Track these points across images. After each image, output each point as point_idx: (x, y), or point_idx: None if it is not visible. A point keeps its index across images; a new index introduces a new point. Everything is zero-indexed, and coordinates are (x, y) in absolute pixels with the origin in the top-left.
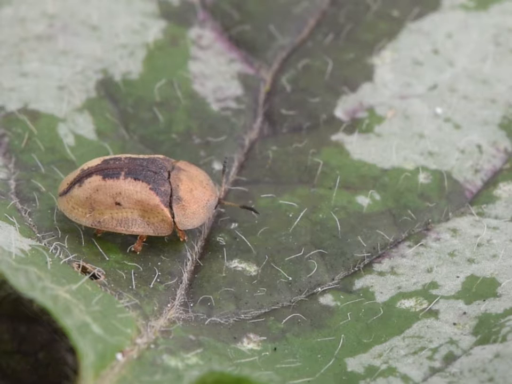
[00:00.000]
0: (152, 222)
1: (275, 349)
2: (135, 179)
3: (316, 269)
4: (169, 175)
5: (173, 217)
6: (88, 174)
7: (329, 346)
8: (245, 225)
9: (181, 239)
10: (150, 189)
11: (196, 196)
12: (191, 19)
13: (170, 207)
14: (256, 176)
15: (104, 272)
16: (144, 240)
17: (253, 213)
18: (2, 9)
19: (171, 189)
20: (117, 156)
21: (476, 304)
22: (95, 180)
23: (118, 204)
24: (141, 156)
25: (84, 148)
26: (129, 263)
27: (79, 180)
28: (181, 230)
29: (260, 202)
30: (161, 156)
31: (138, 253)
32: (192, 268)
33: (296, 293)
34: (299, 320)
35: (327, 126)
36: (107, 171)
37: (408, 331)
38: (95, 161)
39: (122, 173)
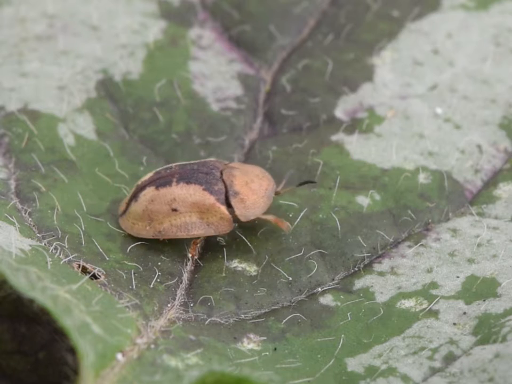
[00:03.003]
0: (212, 221)
1: (275, 349)
2: (187, 183)
3: (316, 269)
4: (221, 174)
5: (232, 213)
6: (142, 187)
7: (329, 346)
8: (245, 225)
9: (286, 230)
10: (204, 189)
11: (253, 188)
12: (191, 19)
13: (227, 204)
14: None
15: (104, 272)
16: (198, 244)
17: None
18: (2, 9)
19: (225, 186)
20: (168, 165)
21: (476, 304)
22: (149, 191)
23: (174, 210)
24: (192, 162)
25: (84, 148)
26: (129, 263)
27: (134, 196)
28: (278, 223)
29: None
30: (212, 159)
31: (194, 257)
32: (192, 268)
33: (296, 293)
34: (299, 320)
35: (327, 126)
36: (159, 180)
37: (408, 331)
38: (147, 175)
39: (174, 179)
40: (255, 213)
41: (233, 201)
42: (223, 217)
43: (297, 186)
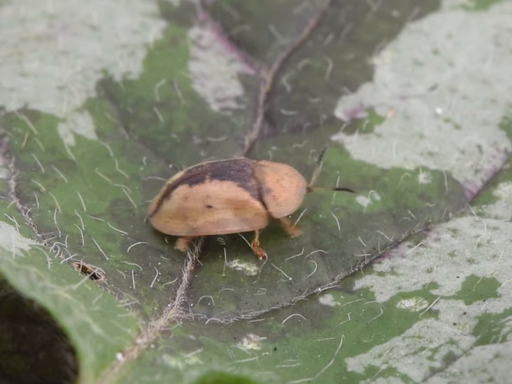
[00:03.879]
0: (246, 217)
1: (275, 349)
2: (221, 179)
3: (316, 269)
4: (253, 171)
5: (266, 209)
6: (174, 186)
7: (329, 346)
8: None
9: (293, 234)
10: (238, 185)
11: (284, 185)
12: (191, 19)
13: (261, 200)
14: None
15: (104, 272)
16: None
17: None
18: (2, 9)
19: (258, 183)
20: (198, 164)
21: (476, 304)
22: (182, 189)
23: (209, 206)
24: (222, 160)
25: (84, 147)
26: (129, 263)
27: (166, 195)
28: (289, 227)
29: None
30: (242, 157)
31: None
32: (192, 268)
33: (296, 293)
34: (299, 320)
35: (327, 126)
36: (192, 178)
37: (408, 331)
38: (178, 174)
39: (207, 176)
40: (287, 210)
41: (266, 198)
42: (258, 212)
43: (333, 190)
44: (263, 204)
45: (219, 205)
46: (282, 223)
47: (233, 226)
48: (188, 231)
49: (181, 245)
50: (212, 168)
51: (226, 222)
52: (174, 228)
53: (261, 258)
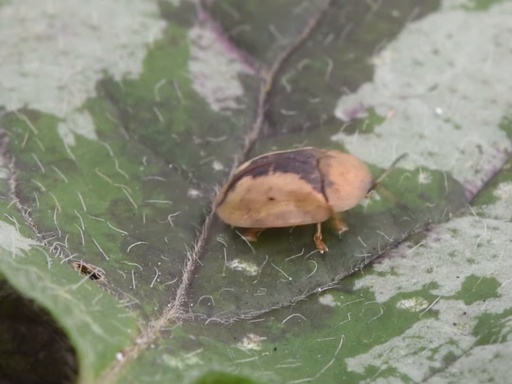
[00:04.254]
0: (308, 210)
1: (275, 349)
2: (284, 172)
3: (316, 269)
4: (318, 163)
5: (327, 202)
6: (238, 177)
7: (329, 346)
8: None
9: (338, 229)
10: (300, 178)
11: (349, 178)
12: (191, 19)
13: (323, 192)
14: None
15: (104, 272)
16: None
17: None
18: (2, 9)
19: (321, 175)
20: (264, 154)
21: (476, 304)
22: (246, 180)
23: (271, 199)
24: (289, 150)
25: (84, 147)
26: (129, 263)
27: (231, 186)
28: (338, 221)
29: None
30: (309, 147)
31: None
32: (192, 268)
33: (296, 293)
34: (299, 320)
35: (327, 126)
36: (255, 170)
37: (408, 331)
38: (244, 165)
39: (271, 168)
40: (348, 204)
41: (328, 191)
42: (320, 205)
43: (393, 166)
44: (325, 196)
45: (281, 197)
46: (318, 231)
47: (296, 218)
48: (251, 222)
49: (249, 235)
50: (276, 160)
51: (288, 215)
52: (238, 220)
53: (322, 252)
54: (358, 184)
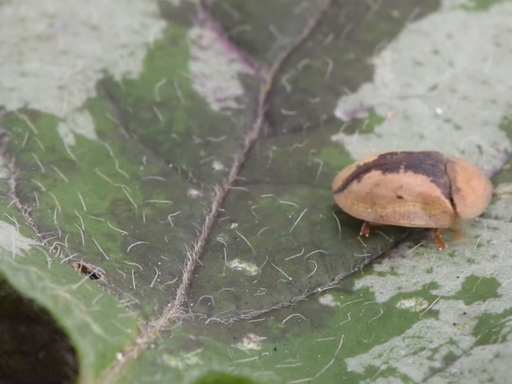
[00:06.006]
0: (434, 214)
1: (275, 349)
2: (415, 172)
3: (316, 269)
4: (445, 167)
5: (454, 208)
6: (366, 169)
7: (329, 346)
8: (245, 225)
9: (456, 240)
10: (431, 181)
11: (473, 186)
12: (191, 19)
13: (450, 199)
14: (256, 176)
15: (104, 272)
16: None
17: None
18: (2, 9)
19: (449, 181)
20: (392, 151)
21: (476, 304)
22: (375, 174)
23: (399, 197)
24: (416, 151)
25: (84, 147)
26: (129, 263)
27: (356, 176)
28: (456, 231)
29: (260, 202)
30: (434, 151)
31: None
32: (193, 267)
33: (296, 293)
34: (299, 320)
35: (327, 126)
36: (386, 165)
37: (408, 331)
38: (371, 157)
39: (402, 167)
40: (474, 212)
41: (455, 198)
42: (446, 211)
43: None
44: (452, 203)
45: (410, 197)
46: (456, 225)
47: (420, 220)
48: (374, 217)
49: (365, 231)
50: (407, 159)
51: (413, 215)
52: (361, 212)
53: (440, 248)
54: (481, 192)
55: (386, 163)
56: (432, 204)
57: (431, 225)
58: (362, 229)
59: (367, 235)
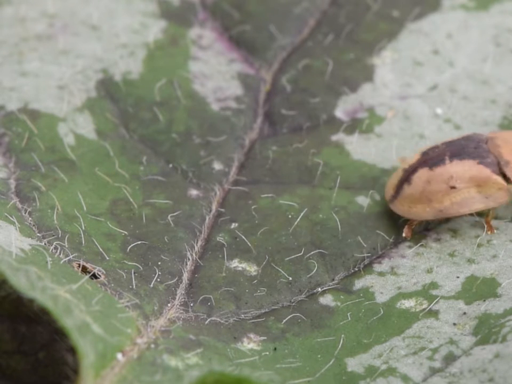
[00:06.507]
0: (490, 194)
1: (275, 349)
2: (460, 159)
3: (316, 269)
4: (487, 146)
5: (508, 182)
6: (412, 171)
7: (329, 346)
8: (245, 225)
9: (489, 231)
10: (478, 163)
11: None
12: (191, 19)
13: (502, 174)
14: (256, 176)
15: (104, 272)
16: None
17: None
18: (2, 9)
19: (495, 157)
20: (432, 145)
21: (476, 304)
22: (423, 172)
23: (453, 187)
24: (455, 138)
25: (84, 147)
26: (129, 263)
27: (406, 179)
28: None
29: (260, 202)
30: (472, 133)
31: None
32: (193, 267)
33: (296, 293)
34: (299, 320)
35: (327, 126)
36: (431, 161)
37: (408, 331)
38: (414, 158)
39: (447, 157)
40: None
41: (507, 171)
42: (501, 187)
43: None
44: (505, 177)
45: (462, 185)
46: (490, 214)
47: (479, 204)
48: (434, 214)
49: (407, 233)
50: (449, 148)
51: (471, 201)
52: (420, 213)
53: (489, 232)
54: None
55: (430, 158)
56: (485, 185)
57: (491, 205)
58: (405, 230)
59: (409, 238)
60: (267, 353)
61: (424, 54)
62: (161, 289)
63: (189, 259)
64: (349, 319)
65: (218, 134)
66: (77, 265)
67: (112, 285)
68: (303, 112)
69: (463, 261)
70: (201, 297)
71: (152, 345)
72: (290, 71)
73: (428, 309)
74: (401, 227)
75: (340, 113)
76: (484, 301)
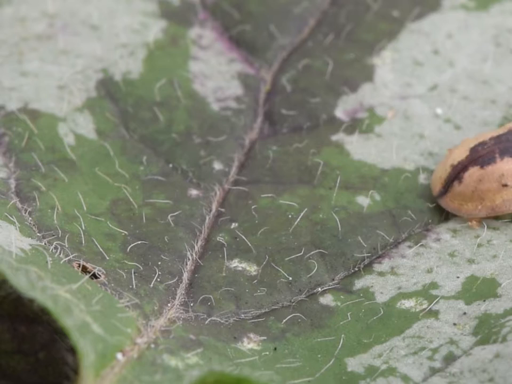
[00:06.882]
0: None
1: (275, 348)
2: (511, 156)
3: (316, 269)
4: None
5: None
6: (463, 168)
7: (329, 346)
8: (245, 225)
9: None
10: None
11: None
12: (192, 19)
13: None
14: (256, 176)
15: (104, 272)
16: None
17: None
18: (2, 9)
19: None
20: (479, 140)
21: (476, 304)
22: (474, 171)
23: (505, 185)
24: (500, 132)
25: (84, 147)
26: (129, 263)
27: (456, 177)
28: None
29: (260, 202)
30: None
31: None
32: (193, 267)
33: (296, 293)
34: (299, 320)
35: (327, 126)
36: (481, 159)
37: (408, 331)
38: (462, 154)
39: (497, 155)
40: None
41: None
42: None
43: None
44: None
45: None
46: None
47: None
48: (486, 212)
49: (475, 224)
50: (498, 146)
51: None
52: (471, 211)
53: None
54: None
55: (480, 156)
56: None
57: None
58: (472, 223)
59: (477, 228)
60: (267, 353)
61: (424, 54)
62: (161, 289)
63: (189, 259)
64: (349, 319)
65: (218, 134)
66: (77, 265)
67: (112, 284)
68: (303, 112)
69: (463, 261)
70: (201, 297)
71: (152, 345)
72: (290, 71)
73: (428, 309)
74: (401, 227)
75: (340, 113)
76: (484, 301)
